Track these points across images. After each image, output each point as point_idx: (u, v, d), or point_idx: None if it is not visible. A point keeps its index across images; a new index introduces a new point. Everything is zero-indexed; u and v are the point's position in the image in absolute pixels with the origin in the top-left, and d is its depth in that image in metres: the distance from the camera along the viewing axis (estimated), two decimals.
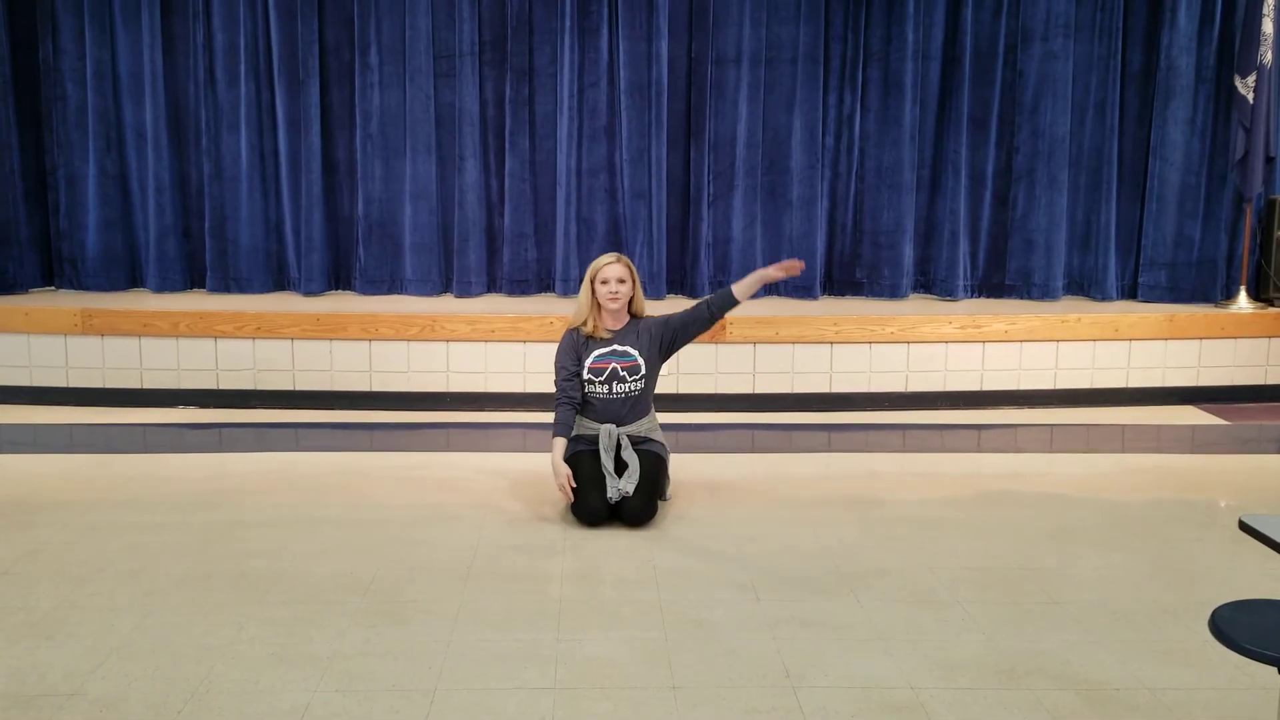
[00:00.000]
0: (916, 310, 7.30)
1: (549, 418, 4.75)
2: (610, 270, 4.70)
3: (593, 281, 4.73)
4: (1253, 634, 2.41)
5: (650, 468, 4.62)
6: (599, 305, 4.74)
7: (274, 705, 3.03)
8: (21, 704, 3.02)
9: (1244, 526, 2.64)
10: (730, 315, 6.70)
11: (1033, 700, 3.08)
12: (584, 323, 4.74)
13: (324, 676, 3.19)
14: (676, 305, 7.36)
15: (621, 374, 4.69)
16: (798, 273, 4.87)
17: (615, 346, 4.72)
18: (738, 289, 4.80)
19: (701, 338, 6.60)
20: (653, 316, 4.87)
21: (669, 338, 4.82)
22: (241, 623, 3.56)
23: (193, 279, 7.99)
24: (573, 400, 4.70)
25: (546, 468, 5.11)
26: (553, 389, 4.78)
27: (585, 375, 4.71)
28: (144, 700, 3.05)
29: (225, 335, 6.78)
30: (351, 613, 3.65)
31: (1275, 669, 2.42)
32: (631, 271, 4.77)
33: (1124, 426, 6.68)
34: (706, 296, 4.86)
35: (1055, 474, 5.54)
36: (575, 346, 4.75)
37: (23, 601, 3.72)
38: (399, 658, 3.32)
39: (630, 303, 4.78)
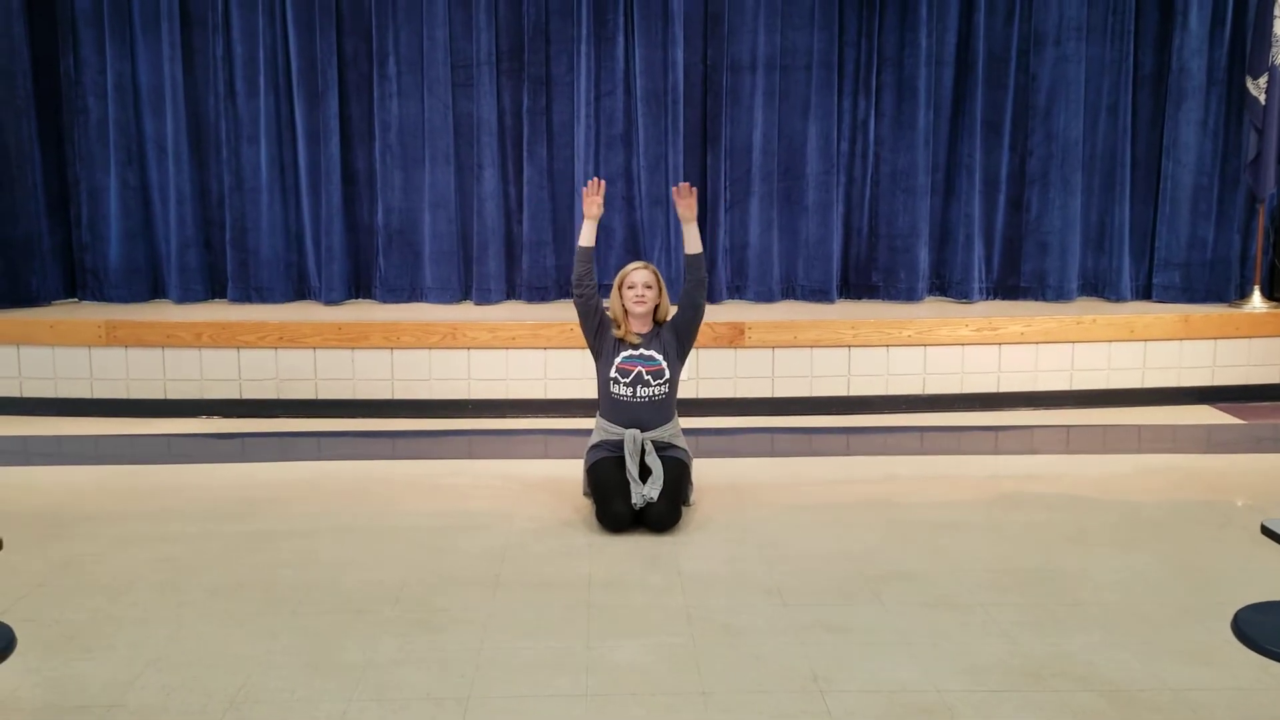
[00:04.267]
0: (933, 313, 7.34)
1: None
2: (636, 275, 4.81)
3: (620, 287, 4.82)
4: (1276, 635, 2.46)
5: (674, 473, 4.67)
6: (626, 310, 4.81)
7: (311, 715, 3.08)
8: (63, 716, 3.07)
9: (1266, 531, 2.68)
10: (749, 320, 6.84)
11: (1058, 702, 3.12)
12: (616, 326, 4.83)
13: (359, 685, 3.25)
14: None
15: (646, 378, 4.76)
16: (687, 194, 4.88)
17: (643, 351, 4.79)
18: (688, 247, 4.86)
19: (720, 343, 6.72)
20: (668, 322, 4.94)
21: (680, 337, 4.88)
22: (275, 632, 3.61)
23: (214, 290, 8.07)
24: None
25: (569, 474, 5.19)
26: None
27: (611, 374, 4.79)
28: (183, 711, 3.10)
29: (248, 345, 6.84)
30: (383, 621, 3.70)
31: None
32: (658, 278, 4.85)
33: (1140, 427, 6.71)
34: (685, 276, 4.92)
35: (1073, 475, 5.57)
36: (606, 322, 4.86)
37: (59, 614, 3.77)
38: (432, 666, 3.37)
39: (656, 309, 4.85)
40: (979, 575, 4.12)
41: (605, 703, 3.13)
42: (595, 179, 4.92)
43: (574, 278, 4.85)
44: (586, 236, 4.86)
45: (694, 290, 4.84)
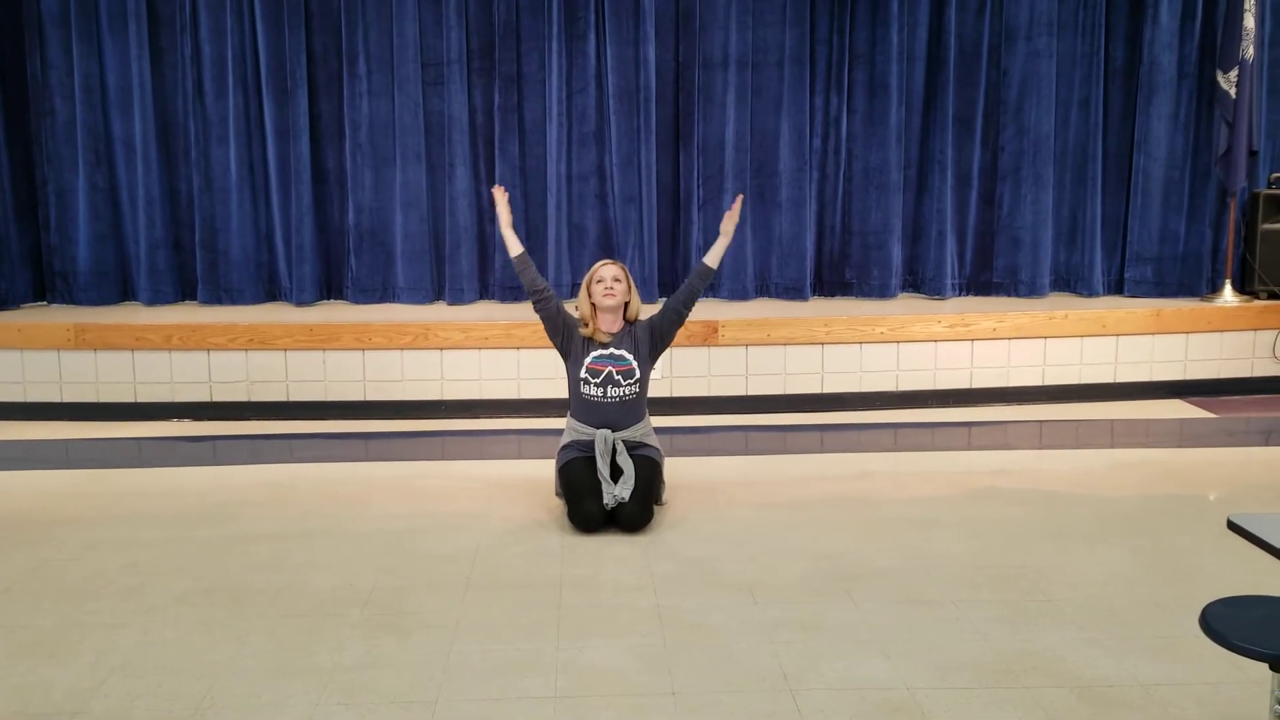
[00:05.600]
0: (905, 310, 7.35)
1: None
2: (605, 270, 4.80)
3: (588, 284, 4.80)
4: (1243, 630, 2.46)
5: (645, 473, 4.65)
6: (595, 307, 4.79)
7: (276, 719, 3.06)
8: None
9: (1232, 526, 2.68)
10: (722, 318, 6.83)
11: (1029, 699, 3.12)
12: (584, 325, 4.80)
13: (326, 689, 3.22)
14: None
15: (616, 378, 4.74)
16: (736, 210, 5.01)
17: (612, 350, 4.77)
18: (710, 258, 4.91)
19: (694, 341, 6.70)
20: (641, 320, 4.92)
21: (655, 338, 4.87)
22: (243, 637, 3.58)
23: (184, 291, 7.99)
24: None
25: (542, 474, 5.17)
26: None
27: (581, 375, 4.76)
28: (147, 717, 3.07)
29: (218, 348, 6.78)
30: (352, 625, 3.67)
31: (1266, 665, 2.46)
32: (627, 274, 4.84)
33: (1113, 421, 6.73)
34: (687, 280, 4.92)
35: (1045, 470, 5.58)
36: (572, 324, 4.85)
37: (25, 620, 3.74)
38: (400, 669, 3.35)
39: (626, 307, 4.83)
40: (951, 571, 4.12)
41: (575, 704, 3.12)
42: (499, 186, 5.11)
43: (526, 288, 4.88)
44: (513, 245, 4.96)
45: (688, 297, 4.85)
